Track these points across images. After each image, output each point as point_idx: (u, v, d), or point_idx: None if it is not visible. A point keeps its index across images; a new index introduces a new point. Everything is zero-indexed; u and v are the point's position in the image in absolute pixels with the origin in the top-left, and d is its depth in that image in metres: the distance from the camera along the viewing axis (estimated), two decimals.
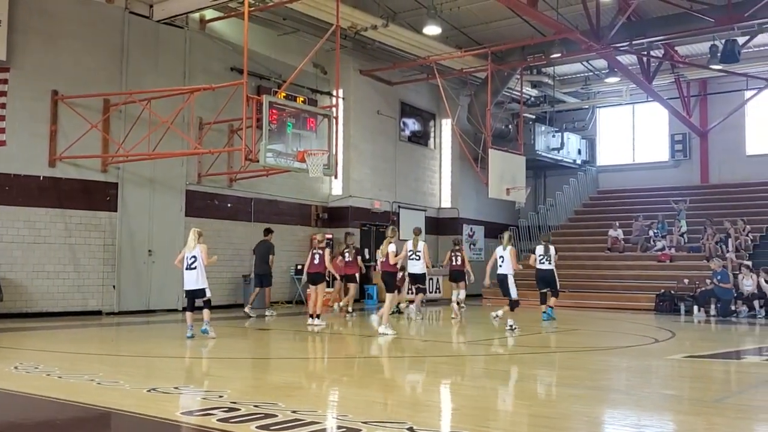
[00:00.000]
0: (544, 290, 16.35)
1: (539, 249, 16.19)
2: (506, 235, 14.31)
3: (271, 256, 16.86)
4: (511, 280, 13.79)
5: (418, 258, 14.69)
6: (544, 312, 16.13)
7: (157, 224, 17.85)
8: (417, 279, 15.50)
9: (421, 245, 14.60)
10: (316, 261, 14.34)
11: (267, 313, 16.87)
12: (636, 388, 8.10)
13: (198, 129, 17.81)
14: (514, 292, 13.74)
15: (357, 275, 17.29)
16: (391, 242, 13.28)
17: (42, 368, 8.47)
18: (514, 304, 13.76)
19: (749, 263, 19.43)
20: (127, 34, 17.40)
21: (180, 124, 16.70)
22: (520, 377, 8.72)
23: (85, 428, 6.12)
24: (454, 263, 17.08)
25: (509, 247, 14.00)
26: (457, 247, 17.30)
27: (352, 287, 17.33)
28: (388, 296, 13.12)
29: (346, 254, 17.02)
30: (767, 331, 15.52)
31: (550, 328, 14.81)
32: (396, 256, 13.33)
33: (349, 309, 17.17)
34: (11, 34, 15.56)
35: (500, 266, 13.98)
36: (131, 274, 17.29)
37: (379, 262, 13.51)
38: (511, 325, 13.45)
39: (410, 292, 16.71)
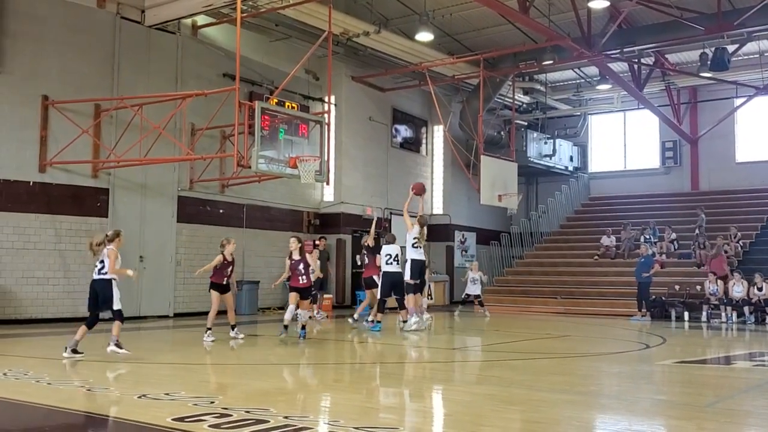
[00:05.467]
0: None
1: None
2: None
3: (327, 262, 18.96)
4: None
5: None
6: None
7: (149, 230, 17.78)
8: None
9: None
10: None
11: (318, 316, 17.60)
12: (627, 393, 8.11)
13: (190, 135, 17.77)
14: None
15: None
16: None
17: (31, 375, 8.42)
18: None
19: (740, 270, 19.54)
20: (119, 40, 17.36)
21: (172, 130, 16.67)
22: (511, 383, 8.72)
23: None
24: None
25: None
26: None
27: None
28: None
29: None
30: (757, 336, 15.58)
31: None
32: None
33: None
34: (0, 39, 15.51)
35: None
36: (122, 281, 17.12)
37: None
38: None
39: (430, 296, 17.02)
